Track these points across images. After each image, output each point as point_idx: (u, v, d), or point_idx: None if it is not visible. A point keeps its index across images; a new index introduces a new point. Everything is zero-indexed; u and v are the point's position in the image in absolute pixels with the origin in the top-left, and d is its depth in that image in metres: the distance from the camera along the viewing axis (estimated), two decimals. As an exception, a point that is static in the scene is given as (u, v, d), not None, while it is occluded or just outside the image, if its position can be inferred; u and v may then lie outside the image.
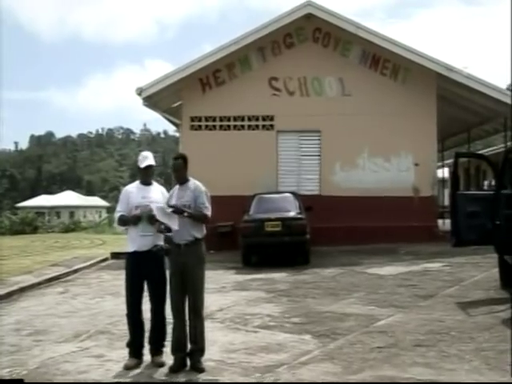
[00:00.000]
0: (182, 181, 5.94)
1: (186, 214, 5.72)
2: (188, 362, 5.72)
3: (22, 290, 10.85)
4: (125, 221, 6.03)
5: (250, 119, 17.51)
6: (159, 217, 5.73)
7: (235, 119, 17.52)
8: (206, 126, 17.56)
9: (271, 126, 17.48)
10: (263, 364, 5.77)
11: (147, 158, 6.07)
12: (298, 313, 8.06)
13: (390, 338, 6.52)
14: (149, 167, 6.06)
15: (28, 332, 7.58)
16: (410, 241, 15.47)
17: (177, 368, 5.67)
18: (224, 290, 10.02)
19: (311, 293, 9.59)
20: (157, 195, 6.06)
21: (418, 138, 16.96)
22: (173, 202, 5.84)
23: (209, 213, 5.85)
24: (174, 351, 5.78)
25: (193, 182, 5.93)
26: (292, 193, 15.11)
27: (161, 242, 6.02)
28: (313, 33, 17.51)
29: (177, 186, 5.99)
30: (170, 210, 5.73)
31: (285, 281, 11.01)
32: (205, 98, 17.52)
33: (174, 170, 5.98)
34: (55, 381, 5.47)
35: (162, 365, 5.80)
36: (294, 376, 5.38)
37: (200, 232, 5.86)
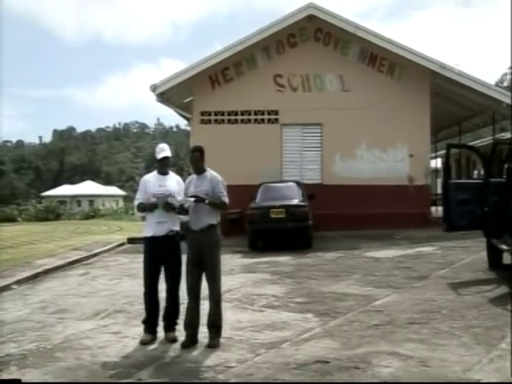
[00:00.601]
0: (200, 171, 5.94)
1: (207, 201, 5.72)
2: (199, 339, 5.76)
3: (47, 271, 10.93)
4: (143, 207, 6.07)
5: (256, 113, 17.46)
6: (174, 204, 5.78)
7: (242, 113, 17.48)
8: (215, 120, 17.53)
9: (276, 119, 17.43)
10: (268, 340, 5.79)
11: (164, 150, 6.09)
12: (300, 293, 8.08)
13: (386, 317, 6.53)
14: (165, 158, 6.08)
15: (52, 310, 7.65)
16: (405, 226, 15.46)
17: (188, 343, 5.70)
18: (232, 273, 10.04)
19: (313, 275, 9.60)
20: (173, 184, 6.08)
21: (412, 130, 16.89)
22: (191, 191, 5.84)
23: (227, 200, 5.88)
24: (186, 327, 5.81)
25: (210, 173, 5.93)
26: (295, 182, 15.11)
27: (176, 228, 6.05)
28: (314, 33, 17.41)
29: (194, 176, 5.98)
30: (192, 199, 5.73)
31: (289, 264, 11.03)
32: (214, 94, 17.48)
33: (192, 162, 5.99)
34: (78, 355, 5.52)
35: (174, 340, 5.85)
36: (297, 351, 5.40)
37: (215, 218, 5.86)
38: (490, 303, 6.94)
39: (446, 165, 10.47)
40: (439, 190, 21.02)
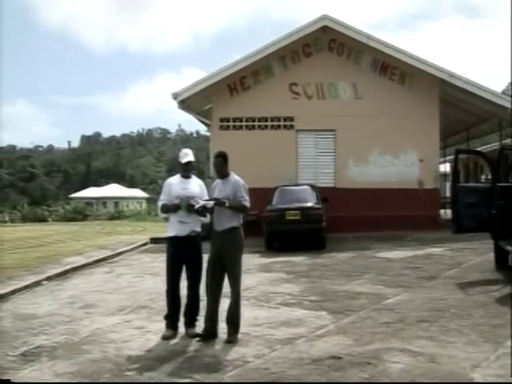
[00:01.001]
0: (223, 175, 5.96)
1: (226, 204, 5.74)
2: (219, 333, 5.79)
3: (75, 269, 11.04)
4: (166, 208, 6.10)
5: (272, 120, 17.47)
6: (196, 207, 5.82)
7: (259, 120, 17.50)
8: (234, 126, 17.56)
9: (291, 125, 17.42)
10: (284, 336, 5.79)
11: (188, 155, 6.12)
12: (315, 292, 8.06)
13: (397, 315, 6.50)
14: (189, 163, 6.11)
15: (80, 305, 7.73)
16: (416, 228, 15.34)
17: (207, 335, 5.73)
18: (249, 272, 10.02)
19: (327, 274, 9.58)
20: (195, 187, 6.11)
21: (422, 136, 16.79)
22: (215, 195, 5.88)
23: (248, 204, 5.88)
24: (206, 321, 5.84)
25: (233, 177, 5.94)
26: (310, 185, 15.08)
27: (198, 229, 6.08)
28: (328, 43, 17.39)
29: (219, 181, 6.00)
30: (212, 202, 5.77)
31: (303, 263, 11.01)
32: (232, 102, 17.53)
33: (215, 167, 6.02)
34: (103, 348, 5.57)
35: (195, 336, 5.86)
36: (312, 347, 5.39)
37: (237, 221, 5.87)
38: (496, 302, 6.87)
39: (454, 169, 10.37)
40: (448, 194, 20.83)
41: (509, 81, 36.67)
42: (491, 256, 9.35)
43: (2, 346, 5.75)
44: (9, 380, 4.65)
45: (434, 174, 17.16)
